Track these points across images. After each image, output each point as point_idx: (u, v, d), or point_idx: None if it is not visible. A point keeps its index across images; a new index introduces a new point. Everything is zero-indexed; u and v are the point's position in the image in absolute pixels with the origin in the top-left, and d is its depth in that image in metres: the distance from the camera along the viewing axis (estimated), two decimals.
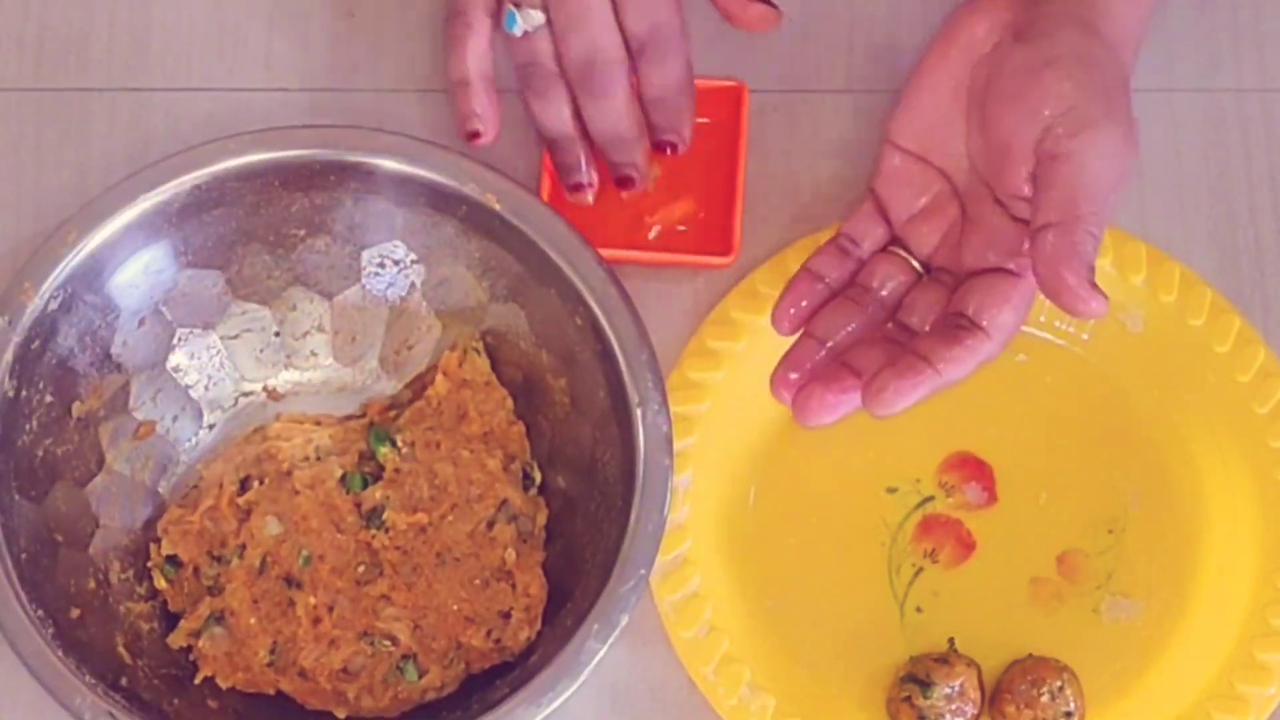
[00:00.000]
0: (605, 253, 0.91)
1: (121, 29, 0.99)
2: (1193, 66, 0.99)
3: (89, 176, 0.96)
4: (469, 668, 0.91)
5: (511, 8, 0.90)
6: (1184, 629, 0.93)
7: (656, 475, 0.87)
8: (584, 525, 0.91)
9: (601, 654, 0.85)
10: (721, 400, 0.93)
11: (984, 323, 0.84)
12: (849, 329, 0.87)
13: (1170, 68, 0.99)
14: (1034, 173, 0.84)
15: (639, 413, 0.88)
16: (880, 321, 0.88)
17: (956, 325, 0.85)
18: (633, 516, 0.87)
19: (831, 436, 0.94)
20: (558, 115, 0.93)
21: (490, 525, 0.91)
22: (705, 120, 0.96)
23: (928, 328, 0.87)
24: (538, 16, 0.91)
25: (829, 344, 0.87)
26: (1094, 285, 0.82)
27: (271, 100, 0.98)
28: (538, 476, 0.93)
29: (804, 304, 0.88)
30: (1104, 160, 0.84)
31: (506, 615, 0.90)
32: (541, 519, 0.93)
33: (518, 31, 0.91)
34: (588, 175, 0.93)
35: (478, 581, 0.91)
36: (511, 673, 0.89)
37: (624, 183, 0.93)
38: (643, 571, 0.86)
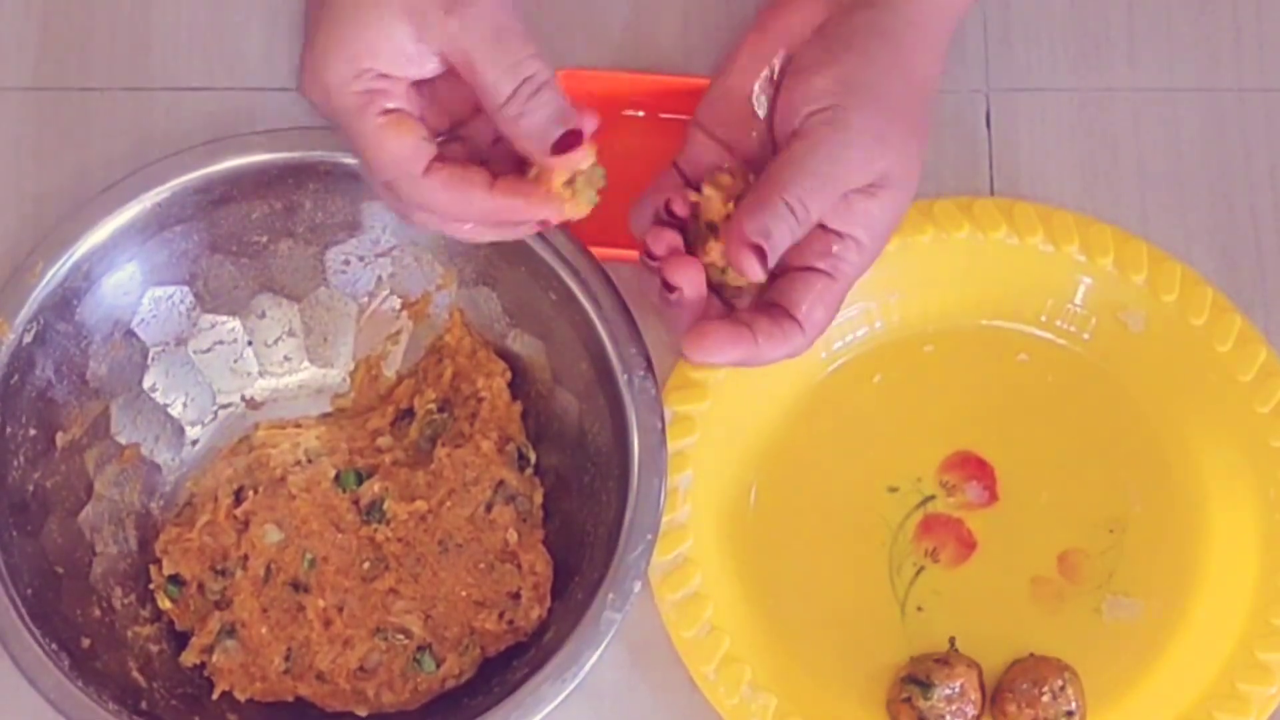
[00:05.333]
0: (608, 251, 0.91)
1: (122, 29, 0.99)
2: (1193, 66, 0.99)
3: (89, 176, 0.96)
4: (484, 652, 0.91)
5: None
6: (1185, 628, 0.93)
7: (651, 438, 0.87)
8: (580, 499, 0.91)
9: (619, 623, 0.85)
10: (722, 399, 0.93)
11: (799, 317, 0.84)
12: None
13: (1171, 67, 0.99)
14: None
15: (625, 379, 0.88)
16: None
17: (774, 313, 0.85)
18: (632, 483, 0.87)
19: (832, 436, 0.95)
20: None
21: (489, 508, 0.91)
22: None
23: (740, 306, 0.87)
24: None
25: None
26: (756, 249, 0.82)
27: (271, 100, 0.98)
28: (532, 456, 0.93)
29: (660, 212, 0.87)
30: (844, 163, 0.84)
31: (515, 596, 0.91)
32: (538, 498, 0.93)
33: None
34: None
35: (483, 565, 0.91)
36: (528, 653, 0.89)
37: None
38: (650, 536, 0.86)
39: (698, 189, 0.87)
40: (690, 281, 0.84)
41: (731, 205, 0.85)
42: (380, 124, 0.81)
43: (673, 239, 0.86)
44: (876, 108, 0.85)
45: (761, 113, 0.88)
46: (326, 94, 0.81)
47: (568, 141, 0.81)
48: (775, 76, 0.87)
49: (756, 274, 0.83)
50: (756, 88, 0.88)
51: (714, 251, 0.85)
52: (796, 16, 0.88)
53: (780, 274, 0.86)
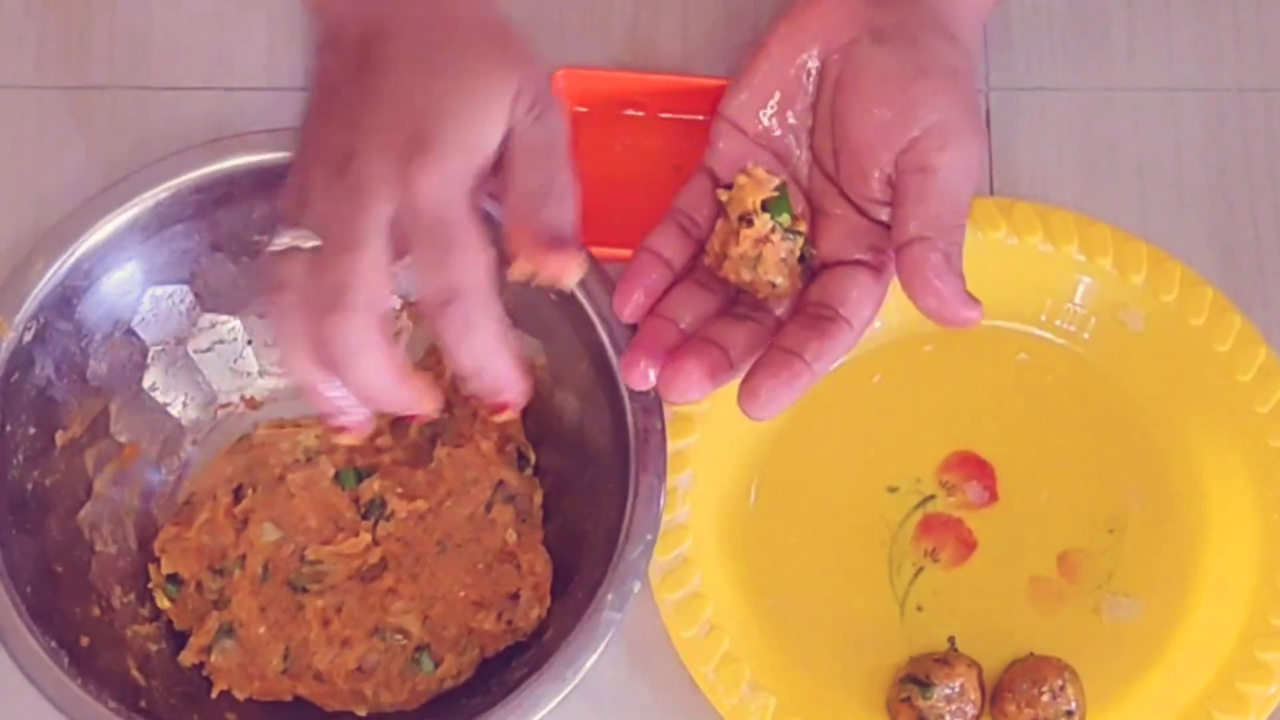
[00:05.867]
0: (608, 251, 0.91)
1: (122, 27, 0.99)
2: (1193, 65, 0.99)
3: (89, 175, 0.96)
4: (483, 652, 0.91)
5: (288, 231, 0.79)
6: (1184, 628, 0.93)
7: (651, 439, 0.87)
8: (580, 499, 0.91)
9: (618, 623, 0.85)
10: (722, 399, 0.93)
11: (846, 314, 0.83)
12: (699, 314, 0.86)
13: (1170, 66, 0.99)
14: (895, 182, 0.83)
15: (624, 380, 0.88)
16: (729, 306, 0.86)
17: (818, 315, 0.84)
18: (631, 483, 0.87)
19: (832, 436, 0.95)
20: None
21: (488, 508, 0.91)
22: (706, 118, 0.96)
23: (779, 313, 0.85)
24: (309, 238, 0.78)
25: (681, 326, 0.85)
26: (968, 295, 0.82)
27: (271, 99, 0.98)
28: (532, 456, 0.93)
29: (648, 286, 0.85)
30: (967, 174, 0.83)
31: (515, 596, 0.91)
32: (538, 498, 0.93)
33: (277, 246, 0.79)
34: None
35: (482, 565, 0.91)
36: (526, 653, 0.90)
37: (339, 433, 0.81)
38: (649, 536, 0.86)
39: (728, 187, 0.86)
40: (698, 388, 0.83)
41: (761, 197, 0.85)
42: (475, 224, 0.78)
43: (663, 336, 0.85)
44: (976, 120, 0.85)
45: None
46: (442, 184, 0.77)
47: (576, 244, 0.80)
48: (814, 76, 0.86)
49: (980, 315, 0.82)
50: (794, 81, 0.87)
51: (746, 242, 0.84)
52: (834, 14, 0.86)
53: (821, 270, 0.85)
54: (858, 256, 0.85)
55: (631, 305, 0.85)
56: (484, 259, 0.77)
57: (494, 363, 0.78)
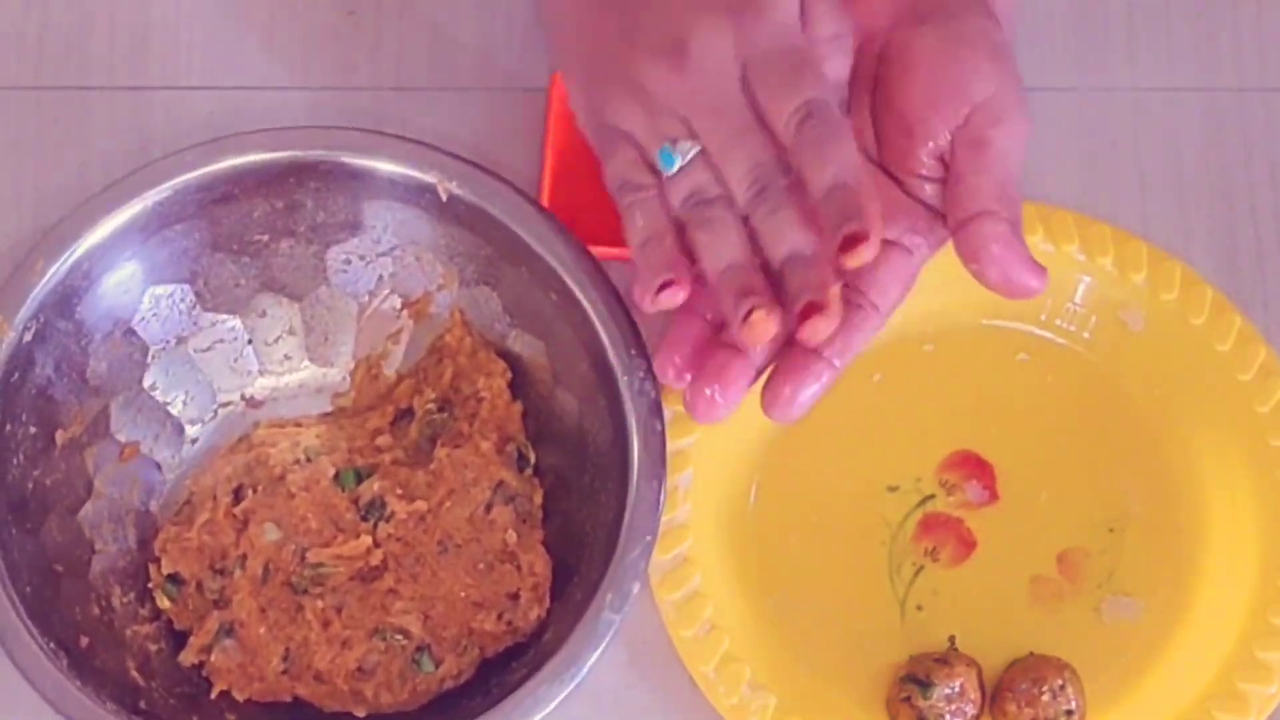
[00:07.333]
0: (608, 251, 0.91)
1: (121, 27, 0.99)
2: (1193, 66, 0.99)
3: (89, 175, 0.96)
4: (483, 652, 0.91)
5: (666, 145, 0.81)
6: (1185, 628, 0.93)
7: (651, 440, 0.87)
8: (579, 499, 0.91)
9: (618, 624, 0.85)
10: None
11: (874, 299, 0.83)
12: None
13: (1170, 67, 0.99)
14: (950, 157, 0.82)
15: (625, 380, 0.88)
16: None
17: (844, 300, 0.82)
18: (631, 484, 0.87)
19: (832, 435, 0.95)
20: (733, 242, 0.81)
21: (488, 509, 0.91)
22: None
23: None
24: (691, 147, 0.80)
25: (708, 316, 0.85)
26: (1037, 263, 0.81)
27: (271, 99, 0.98)
28: (532, 456, 0.93)
29: (687, 349, 0.84)
30: (1019, 147, 0.83)
31: (515, 596, 0.90)
32: (538, 498, 0.93)
33: (674, 169, 0.81)
34: (768, 297, 0.80)
35: (482, 566, 0.91)
36: (526, 654, 0.89)
37: (810, 311, 0.79)
38: (648, 538, 0.86)
39: None
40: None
41: None
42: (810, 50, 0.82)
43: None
44: (1024, 98, 0.84)
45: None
46: (781, 20, 0.80)
47: None
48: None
49: (1046, 283, 0.81)
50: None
51: None
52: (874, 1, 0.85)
53: None
54: (888, 238, 0.83)
55: (673, 368, 0.84)
56: (826, 77, 0.81)
57: (851, 175, 0.78)
